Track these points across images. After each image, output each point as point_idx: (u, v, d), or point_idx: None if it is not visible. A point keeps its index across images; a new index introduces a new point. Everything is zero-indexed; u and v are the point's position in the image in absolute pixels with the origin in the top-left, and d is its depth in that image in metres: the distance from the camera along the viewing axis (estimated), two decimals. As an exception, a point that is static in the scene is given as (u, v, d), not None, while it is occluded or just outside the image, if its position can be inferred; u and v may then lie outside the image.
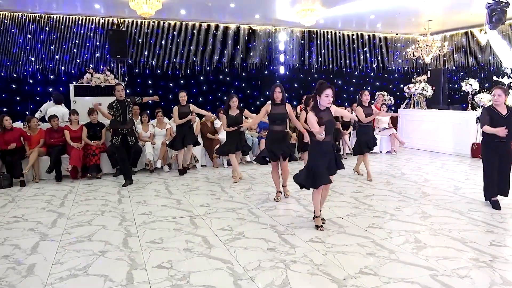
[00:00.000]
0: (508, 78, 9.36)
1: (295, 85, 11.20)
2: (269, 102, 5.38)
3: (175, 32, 9.82)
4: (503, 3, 7.33)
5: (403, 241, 3.88)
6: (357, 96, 6.92)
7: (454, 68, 11.88)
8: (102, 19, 9.22)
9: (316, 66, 11.42)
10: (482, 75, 10.76)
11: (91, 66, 9.16)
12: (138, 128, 7.71)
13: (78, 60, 9.20)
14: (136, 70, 9.67)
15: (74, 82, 8.91)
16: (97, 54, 9.26)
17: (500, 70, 9.76)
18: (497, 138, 4.81)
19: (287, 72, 11.14)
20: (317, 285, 2.98)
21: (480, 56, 10.96)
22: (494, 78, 9.66)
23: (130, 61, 9.56)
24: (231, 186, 6.42)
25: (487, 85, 10.09)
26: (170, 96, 10.04)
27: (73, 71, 9.21)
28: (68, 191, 6.16)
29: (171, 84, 9.96)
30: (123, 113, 6.33)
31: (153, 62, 9.76)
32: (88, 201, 5.55)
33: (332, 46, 11.48)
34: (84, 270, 3.28)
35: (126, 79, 9.51)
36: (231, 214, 4.82)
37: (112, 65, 9.39)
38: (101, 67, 9.20)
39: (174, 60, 9.89)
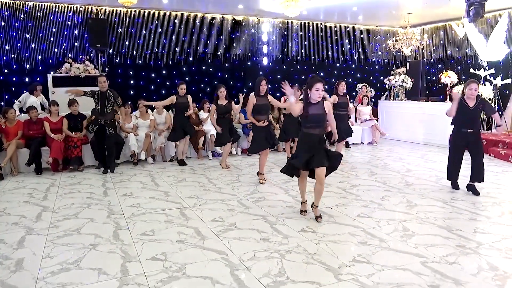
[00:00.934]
0: (484, 70, 9.65)
1: (278, 76, 11.20)
2: (253, 94, 5.63)
3: (156, 22, 9.61)
4: (482, -3, 7.51)
5: (392, 230, 3.98)
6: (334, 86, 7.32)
7: (432, 60, 12.15)
8: (81, 7, 8.92)
9: (298, 57, 11.45)
10: (459, 67, 11.05)
11: (70, 55, 8.88)
12: (121, 119, 7.55)
13: (56, 49, 8.88)
14: (117, 60, 9.43)
15: (52, 72, 8.62)
16: (76, 44, 8.96)
17: (477, 63, 10.06)
18: (464, 128, 5.24)
19: (270, 63, 11.12)
20: (313, 274, 3.03)
21: (457, 49, 11.25)
22: (471, 70, 9.94)
23: (110, 51, 9.31)
24: (218, 177, 6.40)
25: (464, 77, 10.38)
26: (152, 87, 9.87)
27: (50, 61, 8.88)
28: (50, 184, 5.99)
29: (153, 75, 9.78)
30: (102, 104, 6.45)
31: (134, 52, 9.54)
32: (72, 194, 5.42)
33: (315, 37, 11.53)
34: (76, 263, 3.21)
35: (106, 69, 9.27)
36: (221, 206, 4.81)
37: (91, 55, 9.12)
38: (80, 56, 8.93)
39: (156, 50, 9.70)
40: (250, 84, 10.87)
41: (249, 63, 10.83)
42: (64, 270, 3.10)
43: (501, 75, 9.58)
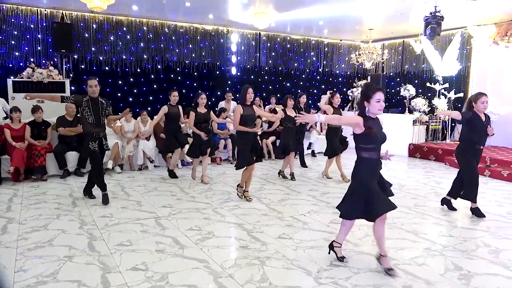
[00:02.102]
0: (439, 85, 10.32)
1: (246, 86, 11.35)
2: (239, 104, 5.39)
3: (124, 28, 9.48)
4: (439, 17, 8.10)
5: (363, 235, 4.18)
6: (328, 98, 7.09)
7: (391, 74, 12.82)
8: (45, 10, 8.62)
9: (266, 68, 11.68)
10: (416, 81, 11.74)
11: (32, 60, 8.53)
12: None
13: (16, 53, 8.51)
14: (82, 66, 9.17)
15: (12, 77, 8.24)
16: (39, 48, 8.63)
17: (433, 78, 10.74)
18: (477, 145, 4.80)
19: (238, 73, 11.26)
20: (295, 279, 3.13)
21: (414, 64, 11.95)
22: (428, 84, 10.61)
23: (75, 57, 9.04)
24: (190, 186, 6.38)
25: (420, 90, 11.03)
26: (119, 94, 9.67)
27: (11, 65, 8.49)
28: (12, 195, 5.71)
29: (120, 82, 9.59)
30: (95, 114, 5.12)
31: (100, 58, 9.32)
32: (39, 204, 5.21)
33: (282, 49, 11.81)
34: (53, 276, 3.12)
35: (71, 75, 8.98)
36: (197, 214, 4.82)
37: (55, 59, 8.81)
38: (44, 61, 8.61)
39: (124, 57, 9.54)
40: (219, 93, 10.95)
41: (217, 72, 10.90)
42: (40, 283, 3.00)
43: (454, 89, 10.28)
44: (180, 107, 6.97)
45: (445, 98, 10.25)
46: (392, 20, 9.84)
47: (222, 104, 9.68)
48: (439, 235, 4.24)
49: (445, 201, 5.22)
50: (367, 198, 3.22)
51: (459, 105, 10.57)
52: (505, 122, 9.39)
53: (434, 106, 10.29)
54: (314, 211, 5.05)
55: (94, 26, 9.17)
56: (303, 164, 8.22)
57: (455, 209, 5.13)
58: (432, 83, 10.45)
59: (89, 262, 3.39)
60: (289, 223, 4.52)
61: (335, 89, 11.96)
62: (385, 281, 3.11)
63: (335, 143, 6.84)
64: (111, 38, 9.36)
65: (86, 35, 9.11)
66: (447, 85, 10.27)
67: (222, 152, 8.54)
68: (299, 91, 12.43)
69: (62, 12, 8.80)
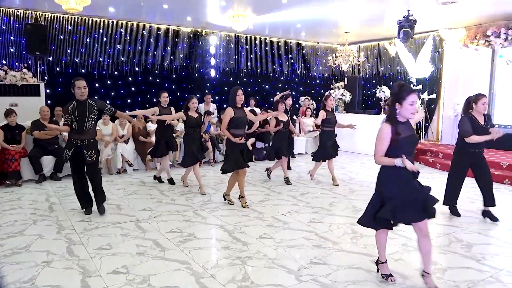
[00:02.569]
0: (413, 86, 10.61)
1: (225, 88, 11.37)
2: (229, 106, 5.08)
3: (101, 30, 9.33)
4: (412, 21, 8.36)
5: (342, 233, 4.28)
6: (322, 100, 6.81)
7: (367, 76, 13.09)
8: (18, 11, 8.39)
9: (245, 70, 11.72)
10: (391, 83, 12.01)
11: (4, 62, 8.30)
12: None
13: (-13, 55, 8.27)
14: (58, 69, 8.97)
15: (-18, 80, 8.00)
16: (12, 50, 8.39)
17: (407, 79, 11.04)
18: (472, 148, 4.66)
19: (217, 75, 11.26)
20: (276, 277, 3.19)
21: (389, 66, 12.25)
22: (402, 86, 10.87)
23: (50, 59, 8.84)
24: (170, 189, 6.36)
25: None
26: (96, 97, 9.48)
27: (-19, 67, 8.24)
28: (-15, 201, 5.55)
29: (96, 85, 9.43)
30: (80, 118, 4.58)
31: (76, 60, 9.15)
32: (14, 210, 5.08)
33: (260, 51, 11.89)
34: (31, 282, 3.07)
35: (46, 77, 8.78)
36: (177, 217, 4.82)
37: (29, 62, 8.59)
38: (17, 64, 8.39)
39: (100, 59, 9.39)
40: (198, 95, 10.90)
41: (196, 74, 10.87)
42: (18, 289, 2.95)
43: (428, 90, 10.60)
44: (172, 108, 6.59)
45: (419, 99, 10.55)
46: (368, 23, 10.08)
47: (201, 106, 9.67)
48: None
49: (486, 214, 4.87)
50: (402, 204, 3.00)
51: (432, 105, 10.94)
52: (476, 122, 9.74)
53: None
54: (294, 211, 5.13)
55: (70, 27, 9.00)
56: (288, 168, 8.16)
57: (496, 219, 4.80)
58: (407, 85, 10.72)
59: (68, 267, 3.35)
60: (269, 223, 4.58)
61: (329, 92, 12.14)
62: (363, 276, 3.21)
63: (328, 148, 6.66)
64: (87, 40, 9.21)
65: (61, 37, 8.92)
66: (420, 86, 10.57)
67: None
68: (277, 92, 12.55)
69: (36, 13, 8.59)
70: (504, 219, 4.88)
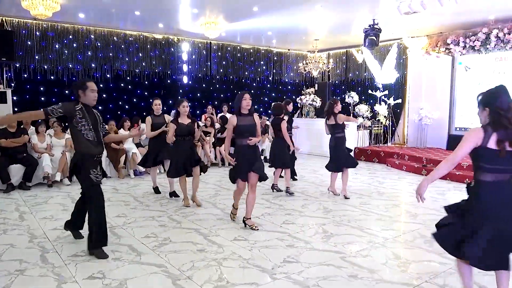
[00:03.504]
0: (380, 92, 11.07)
1: (198, 94, 11.45)
2: (232, 114, 4.62)
3: (71, 36, 9.21)
4: (377, 29, 8.76)
5: (314, 233, 4.45)
6: (329, 103, 6.18)
7: (336, 82, 13.49)
8: (-17, 17, 8.21)
9: (217, 76, 11.83)
10: (359, 89, 12.46)
11: (-32, 69, 8.06)
12: (33, 138, 7.10)
13: (-51, 62, 7.99)
14: (25, 75, 8.78)
15: None
16: (-24, 56, 8.16)
17: (374, 85, 11.48)
18: None
19: (190, 82, 11.31)
20: (251, 276, 3.30)
21: (357, 73, 12.69)
22: (369, 91, 11.33)
23: (17, 65, 8.64)
24: (144, 195, 6.36)
25: (363, 97, 11.74)
26: (65, 104, 9.34)
27: None
28: (-50, 212, 5.38)
29: (66, 92, 9.27)
30: (95, 129, 3.72)
31: (45, 67, 8.98)
32: (-18, 220, 4.96)
33: (232, 58, 12.04)
34: (5, 290, 3.05)
35: (12, 84, 8.57)
36: (152, 222, 4.85)
37: (-5, 68, 8.37)
38: (-18, 70, 8.17)
39: (70, 66, 9.26)
40: (170, 101, 10.93)
41: (168, 81, 10.88)
42: (-9, 297, 2.93)
43: (393, 96, 11.07)
44: (166, 116, 6.30)
45: (385, 104, 11.00)
46: (336, 31, 10.43)
47: (174, 113, 9.68)
48: (381, 229, 4.62)
49: None
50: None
51: (398, 110, 11.41)
52: (438, 126, 10.27)
53: (376, 111, 11.00)
54: (268, 213, 5.27)
55: (38, 33, 8.83)
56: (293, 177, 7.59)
57: None
58: (373, 90, 11.18)
59: (43, 274, 3.34)
60: (244, 225, 4.69)
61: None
62: (333, 272, 3.38)
63: (342, 158, 6.07)
64: (56, 46, 9.06)
65: (29, 42, 8.74)
66: (386, 92, 11.04)
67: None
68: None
69: (2, 18, 8.39)
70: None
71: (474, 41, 9.25)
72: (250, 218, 4.62)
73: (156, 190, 6.49)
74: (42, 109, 3.54)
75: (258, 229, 4.51)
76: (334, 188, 6.32)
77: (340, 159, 6.08)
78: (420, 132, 10.54)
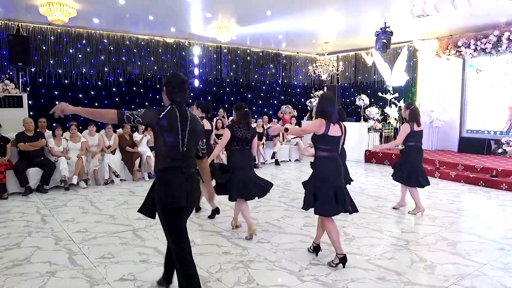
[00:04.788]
0: (390, 94, 11.09)
1: (209, 97, 11.51)
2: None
3: (84, 41, 9.31)
4: (388, 32, 8.79)
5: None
6: (405, 111, 5.35)
7: (346, 85, 13.53)
8: (0, 22, 8.31)
9: (227, 80, 11.91)
10: (369, 91, 12.49)
11: (-14, 74, 8.17)
12: (50, 142, 7.17)
13: (-32, 67, 8.11)
14: (40, 80, 8.88)
15: (-36, 91, 7.83)
16: (-7, 61, 8.29)
17: (383, 88, 11.51)
18: None
19: (201, 85, 11.39)
20: (279, 278, 3.34)
21: (366, 75, 12.72)
22: (379, 94, 11.35)
23: (33, 70, 8.75)
24: (161, 198, 6.40)
25: (373, 100, 11.77)
26: (79, 108, 9.43)
27: (-37, 79, 8.07)
28: (-28, 215, 5.45)
29: (80, 95, 9.38)
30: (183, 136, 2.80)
31: (59, 71, 9.08)
32: (5, 223, 5.02)
33: (242, 61, 12.12)
34: (39, 292, 3.10)
35: (28, 89, 8.67)
36: (173, 225, 4.89)
37: (11, 73, 8.47)
38: (-2, 75, 8.27)
39: (84, 70, 9.36)
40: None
41: (180, 84, 10.94)
42: (28, 299, 2.98)
43: (403, 98, 11.09)
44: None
45: (396, 106, 11.02)
46: (345, 34, 10.48)
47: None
48: (402, 231, 4.64)
49: None
50: None
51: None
52: (449, 127, 10.28)
53: (386, 114, 11.02)
54: (287, 216, 5.30)
55: (52, 38, 8.94)
56: None
57: None
58: (383, 93, 11.20)
59: (74, 276, 3.39)
60: (265, 228, 4.73)
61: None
62: (361, 275, 3.40)
63: (419, 171, 5.27)
64: (71, 50, 9.17)
65: (44, 47, 8.85)
66: (397, 94, 11.05)
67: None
68: (259, 102, 12.79)
69: (18, 24, 8.51)
70: (482, 218, 5.22)
71: (485, 44, 9.26)
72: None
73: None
74: (116, 111, 2.68)
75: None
76: None
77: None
78: (431, 134, 10.55)
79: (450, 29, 9.63)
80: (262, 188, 4.44)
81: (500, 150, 9.35)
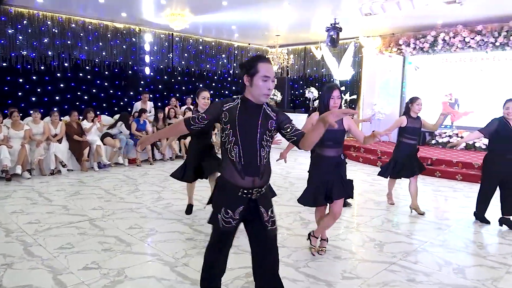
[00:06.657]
0: (337, 88, 11.61)
1: (160, 86, 11.30)
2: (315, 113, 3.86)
3: (25, 22, 8.68)
4: (338, 28, 9.21)
5: (292, 220, 4.73)
6: (407, 104, 5.28)
7: (295, 77, 13.93)
8: None
9: (179, 68, 11.73)
10: (317, 84, 12.97)
11: None
12: (-10, 129, 6.68)
13: None
14: (-26, 61, 8.18)
15: None
16: None
17: (331, 81, 12.03)
18: (509, 155, 4.38)
19: (152, 73, 11.12)
20: (244, 262, 3.49)
21: (315, 69, 13.20)
22: (327, 87, 11.84)
23: (-36, 51, 8.03)
24: (114, 188, 6.27)
25: (320, 93, 12.23)
26: (20, 94, 8.82)
27: None
28: None
29: (20, 80, 8.74)
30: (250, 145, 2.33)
31: (-4, 53, 8.42)
32: None
33: (194, 50, 12.00)
34: (-2, 284, 2.98)
35: (-41, 71, 7.95)
36: (132, 214, 4.86)
37: None
38: None
39: (25, 52, 8.73)
40: (131, 93, 10.70)
41: (130, 72, 10.62)
42: (-14, 292, 2.86)
43: (349, 92, 11.68)
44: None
45: (342, 99, 11.59)
46: (295, 28, 10.77)
47: (138, 105, 9.53)
48: (352, 215, 5.01)
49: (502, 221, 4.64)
50: None
51: (353, 106, 12.07)
52: (390, 120, 11.01)
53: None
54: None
55: (-13, 17, 8.24)
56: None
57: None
58: (332, 86, 11.69)
59: (34, 267, 3.28)
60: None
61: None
62: (318, 255, 3.66)
63: (410, 164, 5.12)
64: (9, 31, 8.50)
65: (-22, 27, 8.15)
66: (343, 88, 11.60)
67: (142, 153, 8.43)
68: (211, 92, 12.75)
69: None
70: (420, 202, 5.77)
71: (423, 43, 10.04)
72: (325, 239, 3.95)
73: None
74: (183, 120, 2.37)
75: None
76: None
77: None
78: (373, 127, 11.24)
79: (393, 28, 10.29)
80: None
81: (433, 141, 10.24)
